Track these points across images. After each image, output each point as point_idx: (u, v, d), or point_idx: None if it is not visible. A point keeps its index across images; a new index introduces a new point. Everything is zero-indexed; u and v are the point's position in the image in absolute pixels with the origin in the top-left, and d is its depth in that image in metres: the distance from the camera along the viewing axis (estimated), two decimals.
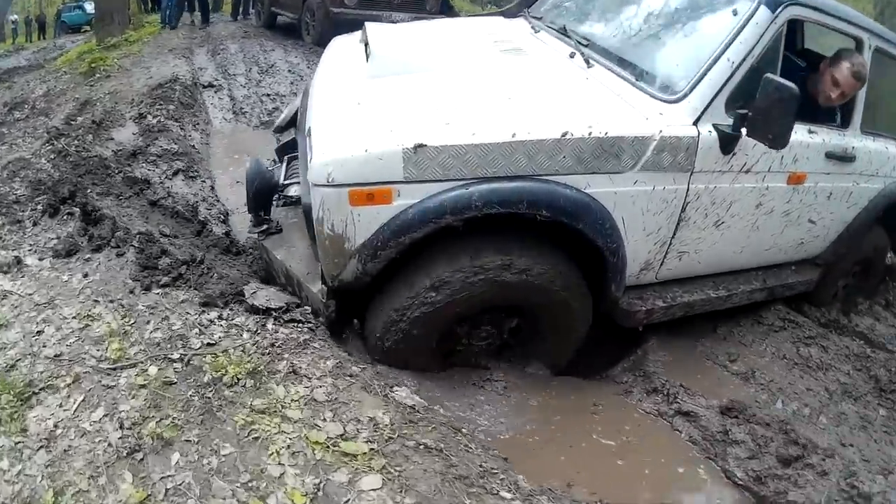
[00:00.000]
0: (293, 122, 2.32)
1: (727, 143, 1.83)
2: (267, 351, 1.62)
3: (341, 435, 1.38)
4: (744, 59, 1.81)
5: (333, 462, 1.30)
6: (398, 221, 1.57)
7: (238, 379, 1.50)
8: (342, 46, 2.52)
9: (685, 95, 1.80)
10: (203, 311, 1.82)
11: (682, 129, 1.77)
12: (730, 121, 1.81)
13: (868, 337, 2.77)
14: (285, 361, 1.57)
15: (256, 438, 1.34)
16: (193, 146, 3.49)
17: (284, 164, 2.36)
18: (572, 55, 2.12)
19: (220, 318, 1.81)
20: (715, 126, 1.82)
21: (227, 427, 1.35)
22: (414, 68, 1.97)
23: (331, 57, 2.42)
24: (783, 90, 1.64)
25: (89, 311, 1.74)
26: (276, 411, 1.41)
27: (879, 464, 1.95)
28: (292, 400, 1.43)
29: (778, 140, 1.73)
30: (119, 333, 1.66)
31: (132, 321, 1.72)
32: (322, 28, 5.46)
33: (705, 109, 1.79)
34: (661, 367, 2.22)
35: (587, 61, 2.03)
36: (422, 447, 1.38)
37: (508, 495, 1.39)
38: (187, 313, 1.81)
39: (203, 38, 5.83)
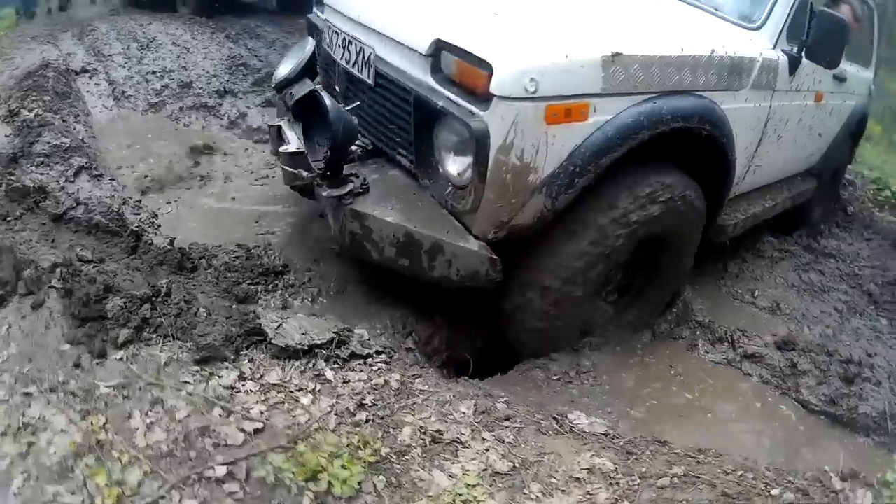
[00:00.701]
0: (304, 73, 1.85)
1: (794, 65, 2.07)
2: (366, 420, 1.09)
3: None
4: None
5: None
6: (597, 140, 1.45)
7: (359, 486, 0.93)
8: None
9: (763, 24, 2.01)
10: (209, 374, 1.22)
11: (770, 52, 1.98)
12: (788, 47, 2.05)
13: (839, 257, 3.05)
14: (408, 428, 1.06)
15: None
16: (83, 140, 2.63)
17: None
18: None
19: (241, 378, 1.24)
20: (783, 51, 2.04)
21: None
22: None
23: None
24: (838, 22, 1.98)
25: (21, 419, 1.03)
26: None
27: None
28: (468, 486, 0.94)
29: (833, 62, 2.09)
30: (91, 451, 1.00)
31: (101, 421, 1.07)
32: None
33: (779, 36, 2.02)
34: (710, 315, 2.19)
35: None
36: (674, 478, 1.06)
37: None
38: (185, 384, 1.20)
39: (66, 23, 4.72)
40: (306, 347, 1.31)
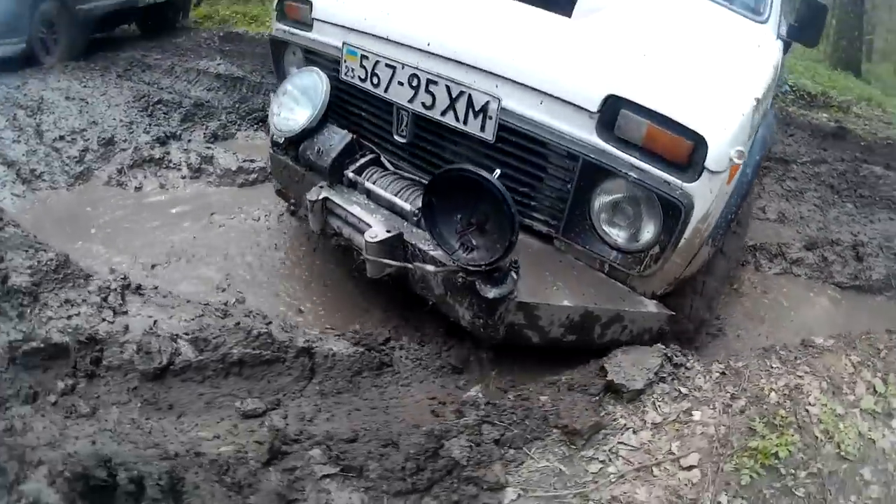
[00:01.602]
0: (319, 126, 1.78)
1: (787, 48, 2.33)
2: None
3: None
4: None
5: None
6: (743, 183, 1.59)
7: None
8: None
9: (769, 17, 2.09)
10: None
11: (776, 43, 2.09)
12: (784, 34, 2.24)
13: (797, 160, 3.94)
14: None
15: None
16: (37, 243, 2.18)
17: (365, 187, 1.78)
18: None
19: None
20: (780, 38, 2.15)
21: None
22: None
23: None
24: (819, 7, 2.13)
25: None
26: None
27: (884, 235, 3.09)
28: None
29: (813, 42, 2.26)
30: None
31: None
32: (71, 36, 4.16)
33: (778, 26, 2.13)
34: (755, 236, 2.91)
35: None
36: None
37: None
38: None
39: None
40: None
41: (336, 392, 1.59)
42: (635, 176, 1.42)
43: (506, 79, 1.52)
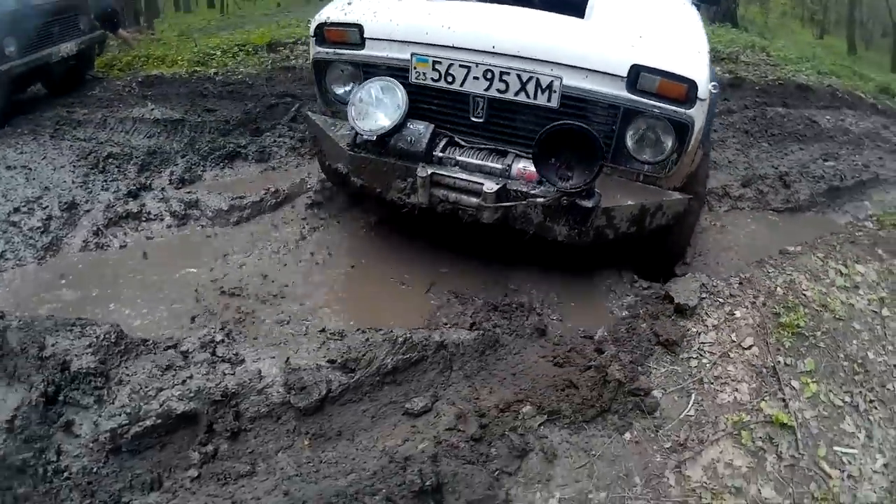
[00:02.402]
0: (404, 122, 2.26)
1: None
2: None
3: None
4: None
5: None
6: (712, 103, 2.37)
7: None
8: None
9: None
10: None
11: (694, 9, 2.98)
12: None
13: None
14: None
15: None
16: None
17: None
18: None
19: None
20: (693, 3, 3.11)
21: None
22: None
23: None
24: None
25: None
26: None
27: (800, 163, 3.99)
28: None
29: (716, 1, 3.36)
30: None
31: None
32: None
33: None
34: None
35: None
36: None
37: None
38: None
39: None
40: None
41: (477, 372, 1.92)
42: (657, 111, 2.16)
43: (561, 64, 2.17)
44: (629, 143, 2.29)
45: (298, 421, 1.73)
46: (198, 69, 4.97)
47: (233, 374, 1.79)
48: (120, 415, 1.66)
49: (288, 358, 1.91)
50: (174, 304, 2.38)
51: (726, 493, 1.66)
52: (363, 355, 1.84)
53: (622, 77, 2.15)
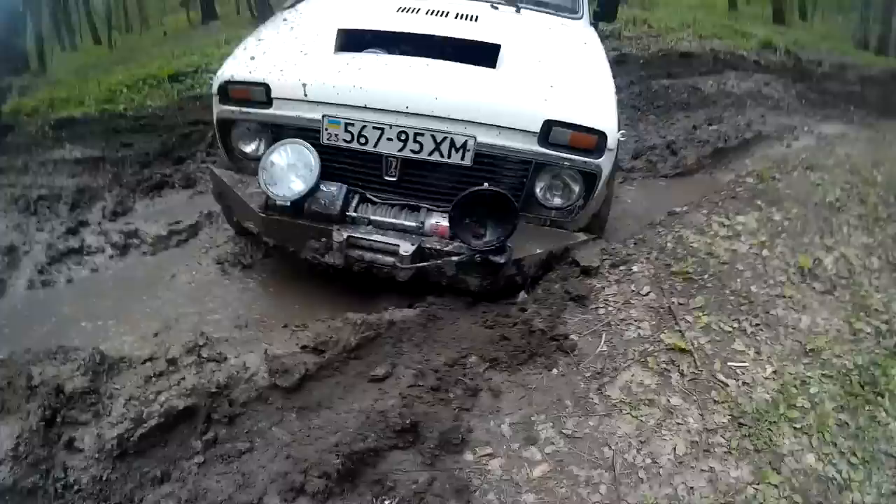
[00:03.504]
0: (317, 184, 2.43)
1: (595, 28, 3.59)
2: None
3: None
4: None
5: None
6: (617, 147, 2.75)
7: None
8: None
9: (582, 14, 3.52)
10: None
11: (592, 31, 3.45)
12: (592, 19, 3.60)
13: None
14: None
15: None
16: None
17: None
18: (494, 7, 3.23)
19: None
20: (591, 23, 3.53)
21: None
22: None
23: None
24: None
25: None
26: None
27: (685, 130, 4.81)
28: None
29: (613, 19, 3.85)
30: None
31: None
32: None
33: (590, 18, 3.56)
34: None
35: (518, 9, 3.28)
36: None
37: None
38: None
39: None
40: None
41: (423, 340, 2.38)
42: (567, 164, 2.43)
43: (475, 123, 2.35)
44: (538, 192, 2.53)
45: (284, 399, 2.12)
46: (107, 106, 5.20)
47: (220, 370, 2.13)
48: (123, 422, 1.94)
49: (266, 349, 2.24)
50: (138, 324, 2.66)
51: (641, 405, 2.17)
52: (330, 338, 2.25)
53: (534, 133, 2.36)
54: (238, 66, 2.52)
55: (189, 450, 1.98)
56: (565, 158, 2.40)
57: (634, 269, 2.80)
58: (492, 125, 2.35)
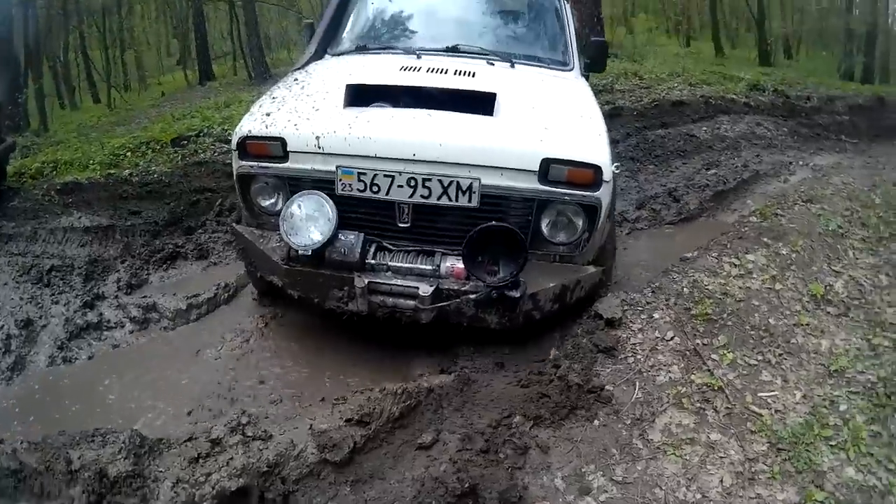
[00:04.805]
0: (335, 234, 2.65)
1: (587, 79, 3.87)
2: None
3: None
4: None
5: None
6: (614, 178, 2.93)
7: None
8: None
9: (574, 67, 3.80)
10: None
11: (583, 81, 3.72)
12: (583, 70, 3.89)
13: None
14: None
15: None
16: None
17: None
18: (490, 63, 3.52)
19: None
20: (582, 74, 3.82)
21: None
22: None
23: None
24: (601, 44, 4.02)
25: None
26: None
27: (685, 177, 5.19)
28: None
29: (602, 69, 4.08)
30: None
31: None
32: None
33: (581, 69, 3.87)
34: None
35: (512, 64, 3.55)
36: None
37: None
38: None
39: None
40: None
41: (463, 405, 2.60)
42: (567, 199, 2.65)
43: (479, 166, 2.59)
44: (544, 229, 2.74)
45: (336, 474, 2.28)
46: (111, 171, 5.33)
47: (268, 448, 2.24)
48: None
49: (311, 425, 2.34)
50: (169, 402, 2.75)
51: (683, 445, 2.36)
52: (374, 409, 2.44)
53: (534, 171, 2.58)
54: (255, 122, 2.78)
55: None
56: (565, 194, 2.63)
57: (656, 315, 3.06)
58: (494, 167, 2.60)
